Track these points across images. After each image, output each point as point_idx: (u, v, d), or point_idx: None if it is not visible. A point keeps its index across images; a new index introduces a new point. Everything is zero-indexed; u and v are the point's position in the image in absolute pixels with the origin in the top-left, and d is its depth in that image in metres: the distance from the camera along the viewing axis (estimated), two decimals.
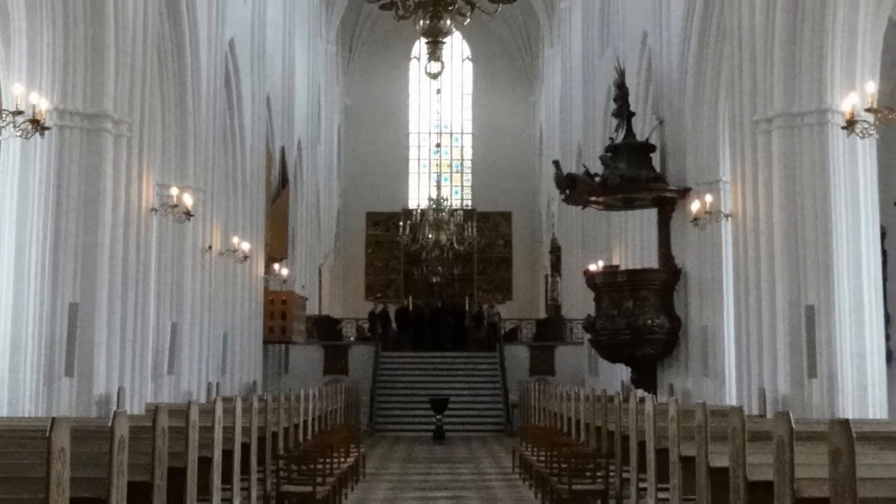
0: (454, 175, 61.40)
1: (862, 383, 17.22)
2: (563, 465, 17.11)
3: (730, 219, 21.03)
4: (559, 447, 18.33)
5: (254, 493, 15.25)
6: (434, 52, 23.14)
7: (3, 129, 14.72)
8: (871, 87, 14.78)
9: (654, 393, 24.83)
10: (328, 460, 17.88)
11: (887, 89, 17.09)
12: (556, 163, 30.69)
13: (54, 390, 16.66)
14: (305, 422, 21.86)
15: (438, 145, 60.73)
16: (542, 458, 19.82)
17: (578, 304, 38.46)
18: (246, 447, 14.97)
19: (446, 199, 56.38)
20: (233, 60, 29.71)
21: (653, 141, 26.73)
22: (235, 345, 30.03)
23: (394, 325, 48.25)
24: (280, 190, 38.05)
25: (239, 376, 30.36)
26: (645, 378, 26.61)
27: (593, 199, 27.66)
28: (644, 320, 25.94)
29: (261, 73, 33.59)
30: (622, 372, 29.02)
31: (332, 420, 27.40)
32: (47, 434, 7.14)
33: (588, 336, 30.61)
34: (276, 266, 37.79)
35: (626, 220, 30.03)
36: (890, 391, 18.03)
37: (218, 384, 27.06)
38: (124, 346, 18.11)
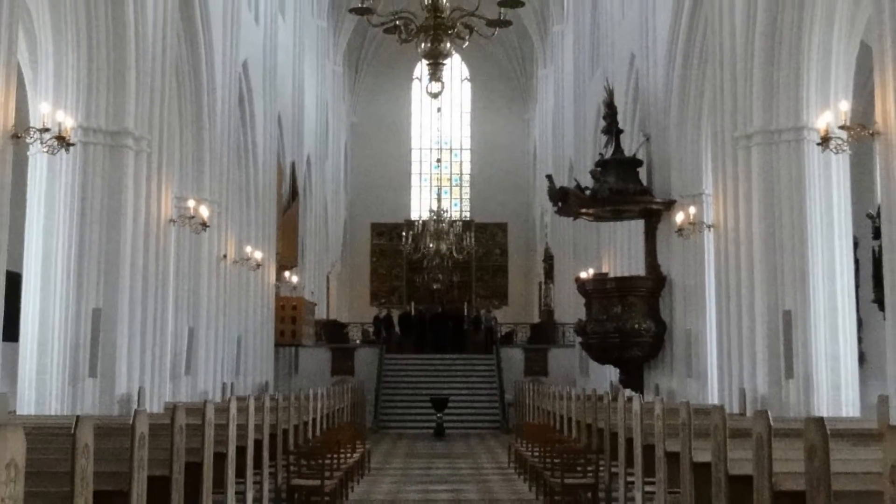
0: (453, 188, 61.37)
1: (836, 383, 17.22)
2: (556, 461, 17.09)
3: (712, 229, 21.02)
4: (552, 443, 18.32)
5: (265, 487, 15.21)
6: (435, 73, 23.13)
7: (30, 146, 14.75)
8: (845, 106, 14.77)
9: (641, 392, 24.82)
10: (335, 456, 17.85)
11: (860, 108, 17.10)
12: (549, 177, 30.78)
13: (79, 390, 16.65)
14: (314, 420, 21.83)
15: (439, 160, 60.69)
16: (536, 454, 19.79)
17: (570, 309, 38.46)
18: (258, 443, 14.95)
19: (446, 211, 56.28)
20: (246, 81, 29.71)
21: (640, 156, 26.74)
22: (248, 347, 30.02)
23: (397, 328, 48.22)
24: (290, 202, 38.03)
25: (252, 377, 30.34)
26: (632, 379, 26.61)
27: (584, 210, 27.67)
28: (632, 324, 25.96)
29: (272, 92, 33.59)
30: (611, 373, 29.01)
31: (339, 418, 27.36)
32: (72, 431, 7.12)
33: (579, 339, 30.57)
34: (287, 273, 37.76)
35: (614, 231, 30.03)
36: (862, 391, 18.01)
37: (232, 384, 27.04)
38: (144, 348, 18.12)
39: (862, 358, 19.12)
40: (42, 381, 16.55)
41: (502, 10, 22.31)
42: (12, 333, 15.64)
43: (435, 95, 25.43)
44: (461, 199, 61.39)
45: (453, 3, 22.21)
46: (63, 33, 17.15)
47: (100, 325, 16.93)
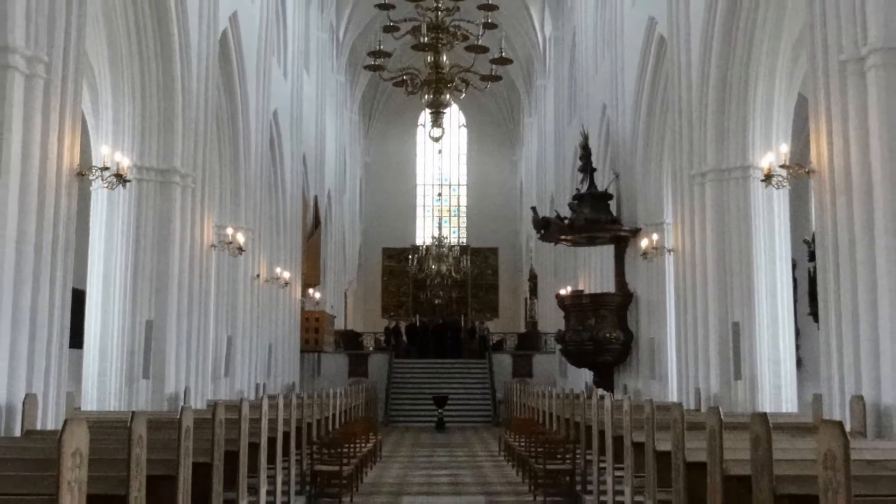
0: (452, 218, 61.31)
1: (777, 384, 17.22)
2: (539, 450, 17.08)
3: (671, 253, 21.06)
4: (536, 435, 18.31)
5: (292, 472, 15.18)
6: (436, 120, 23.21)
7: (93, 182, 14.76)
8: (784, 148, 14.78)
9: (612, 391, 24.79)
10: (352, 445, 17.84)
11: (797, 150, 17.14)
12: (533, 208, 30.76)
13: (134, 390, 16.67)
14: (333, 415, 21.79)
15: (440, 194, 60.77)
16: (523, 444, 19.77)
17: (551, 321, 38.38)
18: (286, 435, 14.92)
19: (446, 237, 56.33)
20: (276, 126, 29.75)
21: (611, 191, 26.73)
22: (278, 353, 29.98)
23: (404, 337, 48.18)
24: (314, 230, 38.02)
25: (281, 378, 30.29)
26: (604, 380, 26.56)
27: (563, 237, 27.66)
28: (603, 334, 25.94)
29: (298, 136, 33.62)
30: (586, 375, 28.94)
31: (354, 413, 27.31)
32: (128, 424, 7.13)
33: (559, 346, 30.49)
34: (311, 290, 37.72)
35: (589, 254, 30.00)
36: (799, 391, 18.01)
37: (264, 385, 27.00)
38: (190, 354, 18.13)
39: (799, 362, 19.15)
40: (103, 382, 16.57)
41: (493, 66, 22.42)
42: (77, 341, 15.64)
43: (436, 139, 25.60)
44: (459, 227, 61.31)
45: (452, 60, 22.27)
46: (120, 87, 17.23)
47: (152, 335, 16.96)
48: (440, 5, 21.50)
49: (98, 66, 17.22)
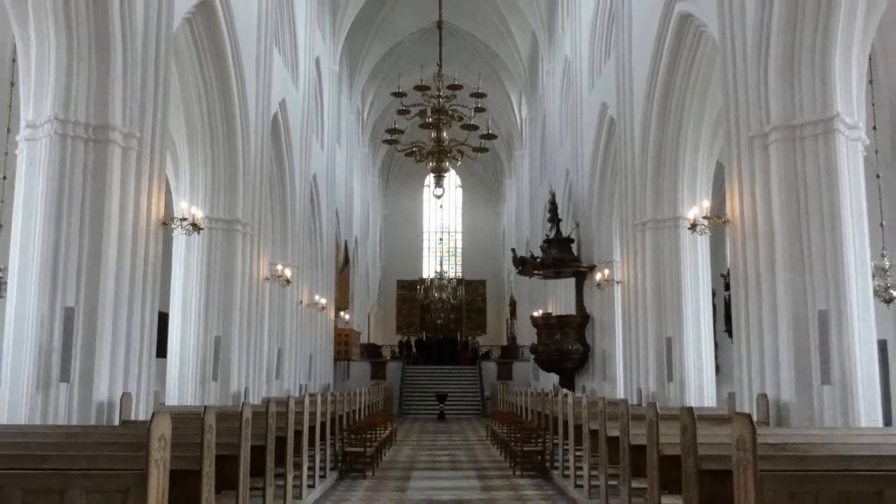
0: (450, 257, 61.20)
1: (700, 385, 17.18)
2: (517, 435, 17.03)
3: (619, 284, 21.04)
4: (515, 424, 18.26)
5: (328, 453, 15.15)
6: (438, 182, 23.37)
7: (174, 230, 14.83)
8: (706, 204, 14.87)
9: (573, 391, 24.73)
10: (373, 432, 17.80)
11: (715, 205, 17.18)
12: (513, 250, 30.89)
13: (206, 389, 16.63)
14: (359, 408, 21.75)
15: (441, 239, 60.75)
16: (505, 431, 19.70)
17: (527, 336, 38.33)
18: (323, 424, 14.90)
19: (446, 272, 56.63)
20: (315, 186, 29.85)
21: (573, 236, 26.79)
22: (317, 361, 29.93)
23: (414, 349, 48.03)
24: (344, 266, 38.05)
25: (319, 380, 30.23)
26: (567, 382, 26.49)
27: (536, 272, 27.68)
28: (567, 346, 25.91)
29: (332, 194, 33.73)
30: (554, 378, 28.87)
31: (375, 407, 27.23)
32: (202, 416, 7.14)
33: (532, 356, 30.42)
34: (342, 313, 37.70)
35: (556, 285, 29.99)
36: (718, 390, 17.99)
37: (306, 385, 26.95)
38: (249, 362, 18.10)
39: (717, 368, 19.11)
40: (182, 384, 16.53)
41: (482, 140, 22.57)
42: (162, 352, 15.63)
43: (439, 197, 25.78)
44: (456, 264, 61.18)
45: (450, 136, 22.44)
46: (195, 156, 17.30)
47: (219, 347, 16.92)
48: (441, 94, 21.71)
49: (178, 140, 17.31)
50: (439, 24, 28.22)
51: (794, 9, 11.39)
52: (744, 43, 12.46)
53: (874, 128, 14.31)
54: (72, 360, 10.64)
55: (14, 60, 12.48)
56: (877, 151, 14.05)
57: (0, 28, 14.88)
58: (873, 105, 14.51)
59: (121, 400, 11.09)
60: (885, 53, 15.52)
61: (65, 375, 10.60)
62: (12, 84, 13.10)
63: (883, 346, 15.54)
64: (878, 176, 13.98)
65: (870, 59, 12.85)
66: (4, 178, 13.48)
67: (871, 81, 13.62)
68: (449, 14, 34.61)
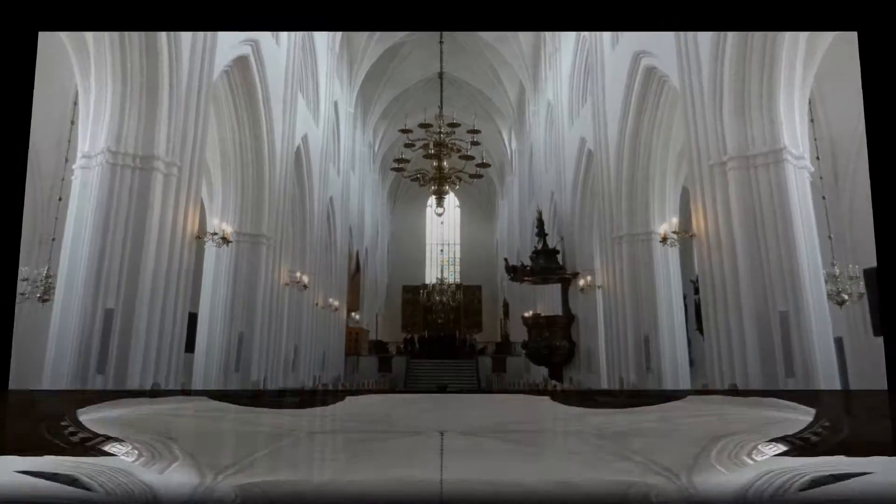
0: (450, 265, 61.03)
1: (675, 376, 17.11)
2: None
3: (600, 288, 20.99)
4: None
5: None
6: (440, 203, 23.28)
7: (206, 243, 14.79)
8: (674, 220, 14.87)
9: (561, 381, 24.60)
10: None
11: (682, 221, 17.13)
12: (506, 259, 30.75)
13: (229, 380, 16.58)
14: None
15: (442, 250, 60.65)
16: None
17: (518, 334, 37.99)
18: None
19: (446, 278, 56.46)
20: (331, 207, 29.81)
21: (558, 248, 26.73)
22: (329, 356, 29.80)
23: (417, 345, 47.85)
24: (355, 274, 37.99)
25: (331, 373, 30.07)
26: (556, 374, 26.35)
27: (526, 278, 27.59)
28: (555, 342, 25.76)
29: (346, 213, 33.75)
30: (543, 371, 28.73)
31: None
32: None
33: (524, 351, 30.27)
34: (353, 314, 37.61)
35: (544, 290, 29.86)
36: (692, 380, 17.93)
37: (319, 376, 26.79)
38: (269, 356, 18.07)
39: (692, 362, 19.02)
40: (208, 375, 16.49)
41: (477, 168, 22.53)
42: (190, 347, 15.59)
43: (440, 215, 25.67)
44: (455, 271, 61.01)
45: (450, 164, 22.39)
46: (227, 180, 17.34)
47: (242, 343, 16.90)
48: (442, 131, 21.75)
49: (213, 168, 17.32)
50: (440, 75, 29.11)
51: (742, 62, 11.92)
52: (701, 90, 12.86)
53: (818, 158, 14.40)
54: (108, 354, 10.82)
55: (75, 104, 13.02)
56: (821, 178, 14.18)
57: (65, 76, 15.10)
58: (815, 140, 14.67)
59: (151, 388, 11.07)
60: (822, 98, 15.65)
61: (101, 367, 10.78)
62: (72, 122, 13.54)
63: (839, 343, 15.49)
64: (823, 197, 14.00)
65: (810, 102, 13.29)
66: (60, 199, 13.54)
67: (812, 120, 14.05)
68: (449, 66, 35.19)
